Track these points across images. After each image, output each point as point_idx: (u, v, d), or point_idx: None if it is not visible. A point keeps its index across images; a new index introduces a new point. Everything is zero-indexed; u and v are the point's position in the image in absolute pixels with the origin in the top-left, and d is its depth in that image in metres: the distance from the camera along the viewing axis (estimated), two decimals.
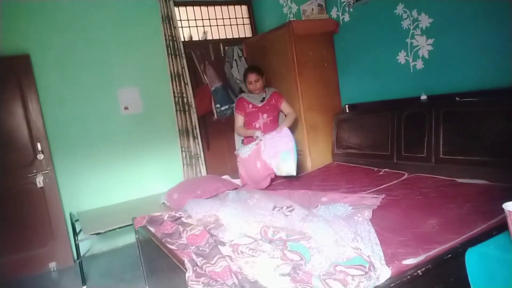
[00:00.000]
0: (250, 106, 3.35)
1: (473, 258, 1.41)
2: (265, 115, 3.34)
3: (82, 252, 3.42)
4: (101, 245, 4.00)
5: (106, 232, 3.16)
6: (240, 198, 2.62)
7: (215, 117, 4.43)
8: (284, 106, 3.35)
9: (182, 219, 2.38)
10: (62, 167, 3.79)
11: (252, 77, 3.33)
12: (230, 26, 4.79)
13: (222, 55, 4.64)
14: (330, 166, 3.40)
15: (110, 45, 4.00)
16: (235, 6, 4.80)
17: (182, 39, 4.34)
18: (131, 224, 2.90)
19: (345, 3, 3.42)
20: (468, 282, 1.41)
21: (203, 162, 4.38)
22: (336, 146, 3.50)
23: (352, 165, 3.25)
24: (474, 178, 2.29)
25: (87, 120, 3.91)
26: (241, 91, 4.53)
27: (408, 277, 1.44)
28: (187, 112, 4.27)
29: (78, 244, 3.22)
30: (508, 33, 2.26)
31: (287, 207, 2.15)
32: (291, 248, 1.65)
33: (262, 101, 3.35)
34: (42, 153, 3.62)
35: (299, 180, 3.12)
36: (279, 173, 2.95)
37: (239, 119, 3.39)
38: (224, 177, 3.62)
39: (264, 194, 2.56)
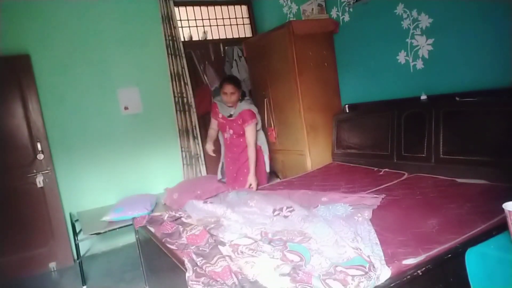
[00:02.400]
0: (220, 115, 3.31)
1: (473, 258, 1.41)
2: (231, 131, 3.29)
3: (82, 252, 3.42)
4: (101, 245, 4.00)
5: (106, 232, 3.16)
6: (240, 198, 2.62)
7: None
8: (247, 130, 3.14)
9: (182, 219, 2.38)
10: (62, 167, 3.78)
11: (229, 88, 3.11)
12: (230, 26, 4.78)
13: (222, 55, 4.64)
14: (330, 166, 3.39)
15: (110, 45, 4.00)
16: (235, 6, 4.80)
17: (182, 39, 4.33)
18: (131, 224, 2.91)
19: (345, 3, 3.42)
20: (468, 282, 1.41)
21: (203, 162, 4.38)
22: (336, 146, 3.50)
23: (352, 165, 3.25)
24: (474, 178, 2.29)
25: (87, 120, 3.91)
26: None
27: (408, 277, 1.44)
28: (187, 112, 4.28)
29: (78, 244, 3.22)
30: (508, 33, 2.26)
31: (287, 208, 2.15)
32: (291, 249, 1.66)
33: (229, 117, 3.25)
34: (42, 153, 3.62)
35: (299, 180, 3.12)
36: None
37: (212, 123, 3.49)
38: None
39: (264, 195, 2.56)
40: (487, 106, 2.32)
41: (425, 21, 2.74)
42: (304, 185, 2.93)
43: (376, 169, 2.98)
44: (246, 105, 3.20)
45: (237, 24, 4.83)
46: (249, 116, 3.15)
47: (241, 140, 3.26)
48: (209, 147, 3.48)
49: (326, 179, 3.02)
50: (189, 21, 4.54)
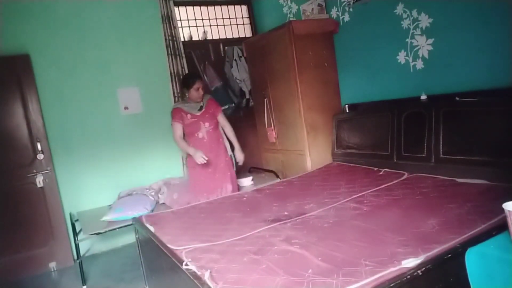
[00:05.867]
0: (189, 116, 3.23)
1: (473, 258, 1.41)
2: (206, 124, 3.27)
3: (82, 252, 3.42)
4: (101, 245, 4.00)
5: (106, 232, 3.16)
6: None
7: None
8: (221, 117, 3.39)
9: None
10: (62, 167, 3.78)
11: (200, 83, 3.25)
12: (230, 26, 4.78)
13: (222, 55, 4.64)
14: (330, 166, 3.39)
15: (110, 45, 4.00)
16: (235, 6, 4.80)
17: (182, 39, 4.33)
18: (131, 224, 2.90)
19: (345, 3, 3.42)
20: (468, 282, 1.41)
21: None
22: (336, 146, 3.50)
23: (352, 165, 3.25)
24: (474, 178, 2.29)
25: (87, 120, 3.91)
26: (241, 91, 4.53)
27: (408, 277, 1.44)
28: None
29: (78, 244, 3.22)
30: (508, 33, 2.26)
31: None
32: None
33: (200, 109, 3.26)
34: (42, 153, 3.62)
35: (299, 180, 3.12)
36: None
37: (178, 128, 3.24)
38: None
39: None
40: (487, 106, 2.32)
41: (425, 21, 2.75)
42: (304, 185, 2.93)
43: (376, 169, 2.98)
44: (208, 96, 3.41)
45: (237, 24, 4.83)
46: (216, 103, 3.39)
47: (217, 130, 3.37)
48: (199, 153, 3.08)
49: (326, 179, 3.02)
50: (189, 21, 4.54)
